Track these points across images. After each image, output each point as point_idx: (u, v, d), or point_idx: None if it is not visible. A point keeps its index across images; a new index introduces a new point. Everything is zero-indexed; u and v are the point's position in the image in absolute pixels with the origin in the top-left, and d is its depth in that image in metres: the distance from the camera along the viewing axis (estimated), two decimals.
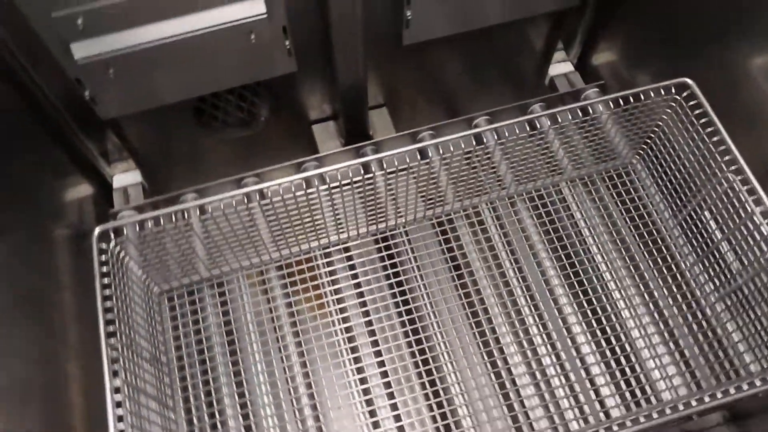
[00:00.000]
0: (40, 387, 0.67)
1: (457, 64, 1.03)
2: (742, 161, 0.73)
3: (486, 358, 0.81)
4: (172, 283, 0.85)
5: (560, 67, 1.11)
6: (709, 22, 0.80)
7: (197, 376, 0.79)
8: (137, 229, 0.73)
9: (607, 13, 1.00)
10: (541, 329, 0.84)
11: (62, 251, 0.86)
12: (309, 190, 0.79)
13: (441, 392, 0.79)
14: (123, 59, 0.74)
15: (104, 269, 0.69)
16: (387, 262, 0.88)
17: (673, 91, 0.79)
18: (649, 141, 0.88)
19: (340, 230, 0.88)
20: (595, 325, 0.83)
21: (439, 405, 0.78)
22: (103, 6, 0.68)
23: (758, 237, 0.71)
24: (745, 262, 0.75)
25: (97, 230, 0.70)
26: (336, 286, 0.87)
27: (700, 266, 0.83)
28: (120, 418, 0.59)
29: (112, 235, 0.71)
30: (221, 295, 0.85)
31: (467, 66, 1.04)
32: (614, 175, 0.93)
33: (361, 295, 0.86)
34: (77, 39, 0.70)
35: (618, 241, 0.89)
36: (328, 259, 0.88)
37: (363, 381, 0.81)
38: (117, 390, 0.61)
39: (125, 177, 1.01)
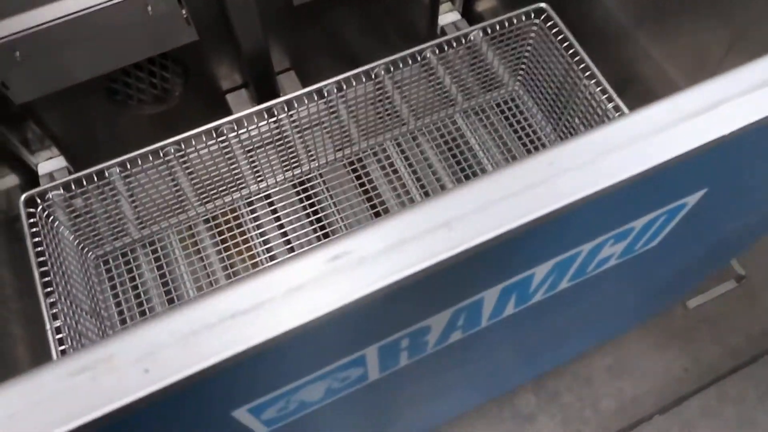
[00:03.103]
0: None
1: (351, 20, 1.11)
2: (596, 70, 0.84)
3: None
4: (106, 248, 0.91)
5: (449, 16, 1.21)
6: None
7: None
8: (63, 193, 0.79)
9: None
10: None
11: None
12: (220, 139, 0.86)
13: None
14: (27, 41, 0.79)
15: (34, 230, 0.74)
16: (306, 203, 0.96)
17: (533, 16, 0.89)
18: (524, 66, 0.99)
19: (259, 179, 0.95)
20: None
21: None
22: None
23: None
24: None
25: (23, 197, 0.75)
26: (261, 230, 0.94)
27: None
28: (63, 352, 0.65)
29: (39, 201, 0.77)
30: (154, 253, 0.92)
31: (362, 21, 1.12)
32: (501, 102, 1.03)
33: (285, 235, 0.94)
34: None
35: (510, 160, 0.99)
36: (251, 208, 0.96)
37: None
38: (58, 330, 0.67)
39: (50, 164, 1.06)
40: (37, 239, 0.74)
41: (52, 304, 0.69)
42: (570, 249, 0.37)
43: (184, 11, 0.88)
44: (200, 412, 0.31)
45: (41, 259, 0.72)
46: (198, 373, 0.25)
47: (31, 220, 0.75)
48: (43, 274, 0.71)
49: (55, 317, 0.68)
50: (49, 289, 0.70)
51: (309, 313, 0.26)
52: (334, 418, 0.46)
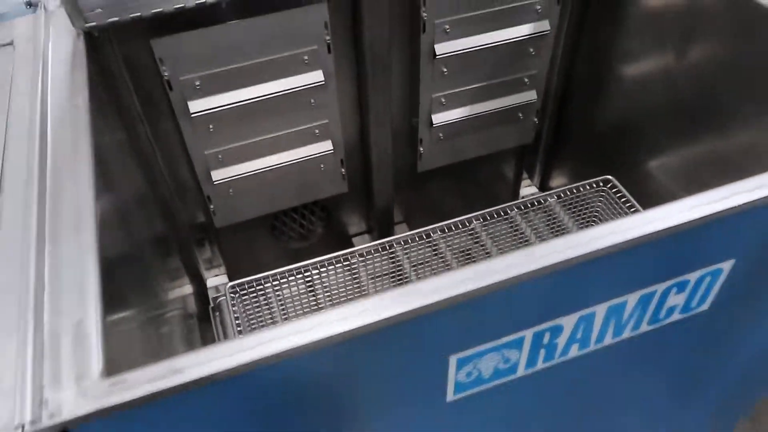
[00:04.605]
0: None
1: (454, 187, 1.44)
2: None
3: None
4: None
5: (528, 189, 1.53)
6: (624, 141, 1.22)
7: None
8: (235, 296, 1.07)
9: (556, 147, 1.44)
10: None
11: (175, 327, 1.18)
12: (351, 260, 1.14)
13: None
14: (240, 182, 1.13)
15: (229, 310, 1.01)
16: None
17: (601, 185, 1.19)
18: (594, 222, 1.26)
19: None
20: None
21: None
22: (235, 146, 1.09)
23: None
24: None
25: (228, 285, 1.03)
26: None
27: None
28: None
29: (230, 294, 1.05)
30: None
31: (462, 188, 1.45)
32: None
33: None
34: (217, 167, 1.10)
35: None
36: None
37: None
38: None
39: (216, 279, 1.36)
40: (221, 321, 1.00)
41: None
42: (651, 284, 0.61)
43: (343, 170, 1.22)
44: (438, 339, 0.55)
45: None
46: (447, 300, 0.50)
47: (228, 303, 1.02)
48: None
49: None
50: None
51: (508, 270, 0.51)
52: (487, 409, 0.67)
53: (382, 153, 1.24)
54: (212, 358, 0.48)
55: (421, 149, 1.27)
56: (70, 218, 0.58)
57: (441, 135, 1.26)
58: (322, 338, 0.50)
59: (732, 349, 0.81)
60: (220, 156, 1.09)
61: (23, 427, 0.44)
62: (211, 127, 1.04)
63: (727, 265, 0.64)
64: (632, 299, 0.62)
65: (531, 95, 1.25)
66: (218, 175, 1.11)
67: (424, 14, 1.06)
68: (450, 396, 0.62)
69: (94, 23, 0.84)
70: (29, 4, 0.97)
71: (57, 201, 0.60)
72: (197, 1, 0.87)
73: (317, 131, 1.14)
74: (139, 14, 0.85)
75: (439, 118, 1.22)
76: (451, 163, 1.33)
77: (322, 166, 1.19)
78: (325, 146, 1.16)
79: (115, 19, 0.85)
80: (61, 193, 0.61)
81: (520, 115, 1.29)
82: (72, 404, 0.45)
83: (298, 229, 1.37)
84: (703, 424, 1.00)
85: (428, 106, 1.20)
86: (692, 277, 0.63)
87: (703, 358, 0.81)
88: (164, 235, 1.21)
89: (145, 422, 0.49)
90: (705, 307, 0.68)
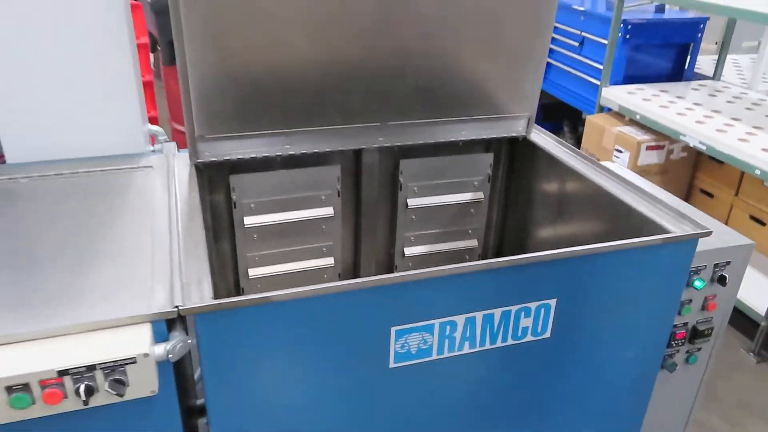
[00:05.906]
0: None
1: None
2: None
3: None
4: None
5: None
6: None
7: None
8: None
9: None
10: None
11: None
12: None
13: None
14: (267, 279, 1.62)
15: None
16: None
17: None
18: None
19: None
20: None
21: None
22: (268, 252, 1.60)
23: None
24: None
25: None
26: None
27: None
28: None
29: None
30: None
31: None
32: None
33: None
34: (254, 266, 1.60)
35: None
36: None
37: None
38: None
39: None
40: None
41: None
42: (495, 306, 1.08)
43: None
44: (381, 312, 1.01)
45: None
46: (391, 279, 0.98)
47: None
48: None
49: None
50: None
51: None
52: (412, 382, 1.09)
53: (367, 272, 1.75)
54: (259, 297, 0.96)
55: (397, 264, 1.78)
56: (192, 243, 1.09)
57: (411, 264, 1.78)
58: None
59: (575, 378, 1.23)
60: (257, 258, 1.60)
61: (178, 307, 0.91)
62: (255, 236, 1.57)
63: (553, 302, 1.11)
64: (497, 313, 1.08)
65: (473, 243, 1.80)
66: (254, 272, 1.61)
67: (401, 179, 1.65)
68: (392, 363, 1.05)
69: (202, 160, 1.42)
70: (154, 151, 1.58)
71: (186, 237, 1.11)
72: (264, 155, 1.47)
73: (324, 249, 1.66)
74: (228, 158, 1.44)
75: (409, 251, 1.75)
76: None
77: (324, 276, 1.69)
78: (329, 261, 1.68)
79: (214, 159, 1.43)
80: (188, 233, 1.12)
81: (467, 256, 1.82)
82: (196, 305, 0.92)
83: None
84: None
85: (402, 241, 1.74)
86: (532, 306, 1.10)
87: (556, 381, 1.22)
88: None
89: (230, 320, 0.95)
90: (548, 334, 1.14)
